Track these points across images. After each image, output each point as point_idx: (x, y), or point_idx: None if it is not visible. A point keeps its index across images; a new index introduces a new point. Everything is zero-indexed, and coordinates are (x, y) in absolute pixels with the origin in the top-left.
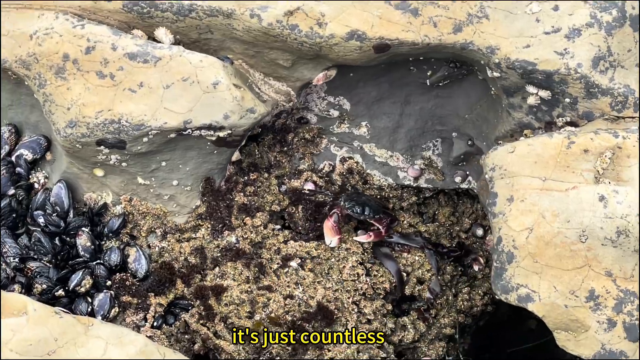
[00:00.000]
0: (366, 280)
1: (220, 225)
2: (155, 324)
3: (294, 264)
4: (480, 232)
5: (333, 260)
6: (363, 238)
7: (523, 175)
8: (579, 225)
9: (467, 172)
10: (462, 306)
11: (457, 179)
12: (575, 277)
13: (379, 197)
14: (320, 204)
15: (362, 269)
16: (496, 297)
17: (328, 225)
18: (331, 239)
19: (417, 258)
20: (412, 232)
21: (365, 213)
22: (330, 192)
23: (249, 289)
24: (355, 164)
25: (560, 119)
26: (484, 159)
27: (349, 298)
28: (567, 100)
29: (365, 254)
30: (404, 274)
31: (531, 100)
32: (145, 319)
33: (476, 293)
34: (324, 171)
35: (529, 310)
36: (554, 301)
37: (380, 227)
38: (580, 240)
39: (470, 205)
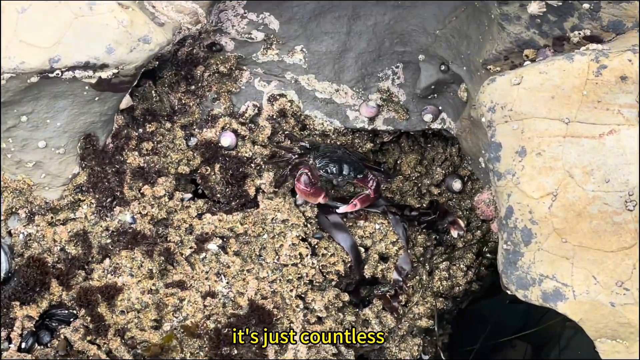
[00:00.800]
0: (312, 263)
1: (108, 200)
2: (23, 345)
3: (213, 246)
4: (457, 185)
5: (266, 236)
6: (346, 209)
7: (537, 117)
8: (624, 187)
9: (440, 108)
10: (440, 287)
11: (427, 117)
12: (622, 261)
13: (351, 147)
14: (241, 161)
15: (306, 247)
16: (508, 293)
17: (300, 189)
18: (314, 201)
19: (377, 226)
20: None
21: (344, 173)
22: (297, 151)
23: (154, 288)
24: (288, 104)
25: (575, 32)
26: (479, 97)
27: (291, 291)
28: (586, 5)
29: (309, 225)
30: (362, 250)
31: (533, 8)
32: (8, 340)
33: (457, 268)
34: (246, 115)
35: (559, 312)
36: (595, 298)
37: (367, 189)
38: (626, 207)
39: (442, 150)
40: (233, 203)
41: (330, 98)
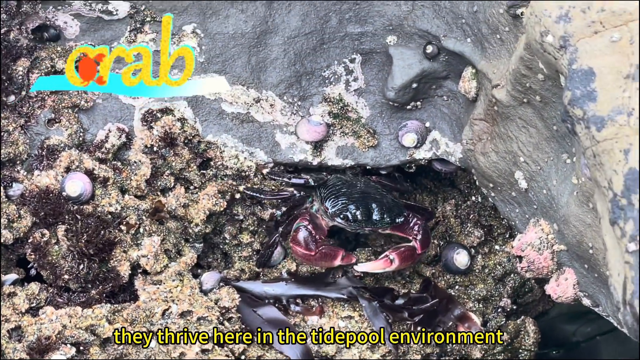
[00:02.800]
0: None
1: None
2: None
3: (59, 358)
4: (462, 259)
5: (154, 344)
6: (376, 266)
7: None
8: None
9: (427, 124)
10: None
11: (407, 141)
12: None
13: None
14: (103, 220)
15: (227, 357)
16: None
17: (299, 253)
18: (326, 266)
19: (342, 323)
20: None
21: (375, 219)
22: (287, 191)
23: None
24: (178, 125)
25: None
26: (530, 10)
27: None
28: None
29: (227, 323)
30: None
31: None
32: None
33: None
34: (107, 147)
35: None
36: None
37: (411, 238)
38: None
39: (435, 195)
40: (93, 290)
41: (247, 113)
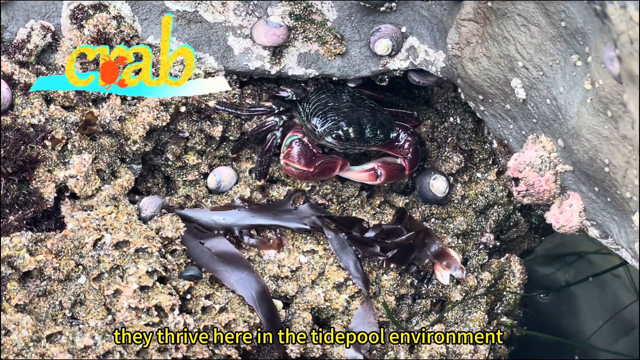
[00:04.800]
0: (185, 325)
1: None
2: None
3: None
4: (439, 185)
5: (84, 279)
6: (362, 176)
7: None
8: None
9: (404, 29)
10: None
11: (380, 47)
12: None
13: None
14: (24, 133)
15: (170, 294)
16: None
17: (295, 170)
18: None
19: (304, 258)
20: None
21: (367, 136)
22: (264, 106)
23: None
24: (114, 23)
25: None
26: None
27: None
28: None
29: (170, 256)
30: (279, 303)
31: None
32: None
33: (458, 338)
34: (29, 48)
35: None
36: None
37: (400, 157)
38: None
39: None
40: (11, 216)
41: (194, 12)
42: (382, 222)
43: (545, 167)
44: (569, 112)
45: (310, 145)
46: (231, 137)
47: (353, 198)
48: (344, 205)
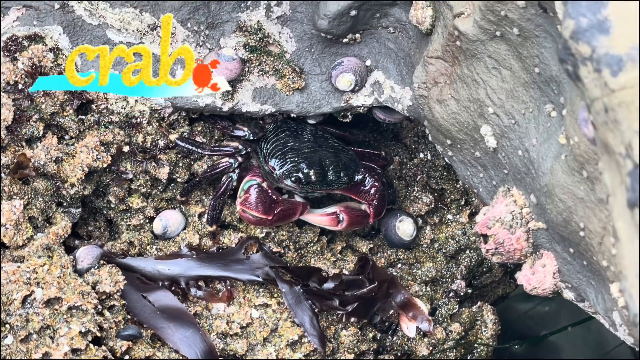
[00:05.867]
0: None
1: None
2: None
3: None
4: (406, 227)
5: (12, 339)
6: (322, 220)
7: None
8: None
9: (368, 63)
10: None
11: (342, 82)
12: None
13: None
14: None
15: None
16: None
17: (252, 217)
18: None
19: (256, 313)
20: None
21: (330, 179)
22: (236, 147)
23: None
24: (47, 56)
25: None
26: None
27: None
28: None
29: (108, 312)
30: None
31: None
32: None
33: None
34: None
35: None
36: None
37: (366, 205)
38: None
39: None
40: None
41: (139, 44)
42: (344, 271)
43: (517, 223)
44: (542, 167)
45: (269, 190)
46: (179, 179)
47: (312, 244)
48: (302, 252)
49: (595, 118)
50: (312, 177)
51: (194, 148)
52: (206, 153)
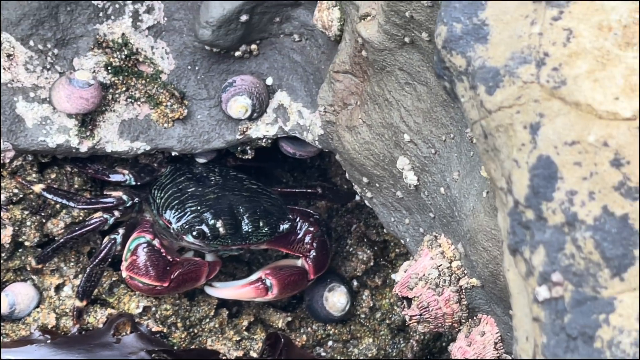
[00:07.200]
0: None
1: None
2: None
3: None
4: (341, 300)
5: None
6: (243, 293)
7: None
8: None
9: (270, 81)
10: None
11: (235, 109)
12: None
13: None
14: None
15: None
16: None
17: (141, 284)
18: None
19: None
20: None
21: (246, 230)
22: (119, 197)
23: None
24: None
25: None
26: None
27: None
28: None
29: None
30: None
31: None
32: None
33: None
34: None
35: None
36: None
37: (302, 258)
38: None
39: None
40: None
41: None
42: (251, 353)
43: (444, 281)
44: (464, 208)
45: (162, 250)
46: (27, 243)
47: (207, 320)
48: (195, 331)
49: (477, 147)
50: (220, 229)
51: (64, 201)
52: (79, 207)
